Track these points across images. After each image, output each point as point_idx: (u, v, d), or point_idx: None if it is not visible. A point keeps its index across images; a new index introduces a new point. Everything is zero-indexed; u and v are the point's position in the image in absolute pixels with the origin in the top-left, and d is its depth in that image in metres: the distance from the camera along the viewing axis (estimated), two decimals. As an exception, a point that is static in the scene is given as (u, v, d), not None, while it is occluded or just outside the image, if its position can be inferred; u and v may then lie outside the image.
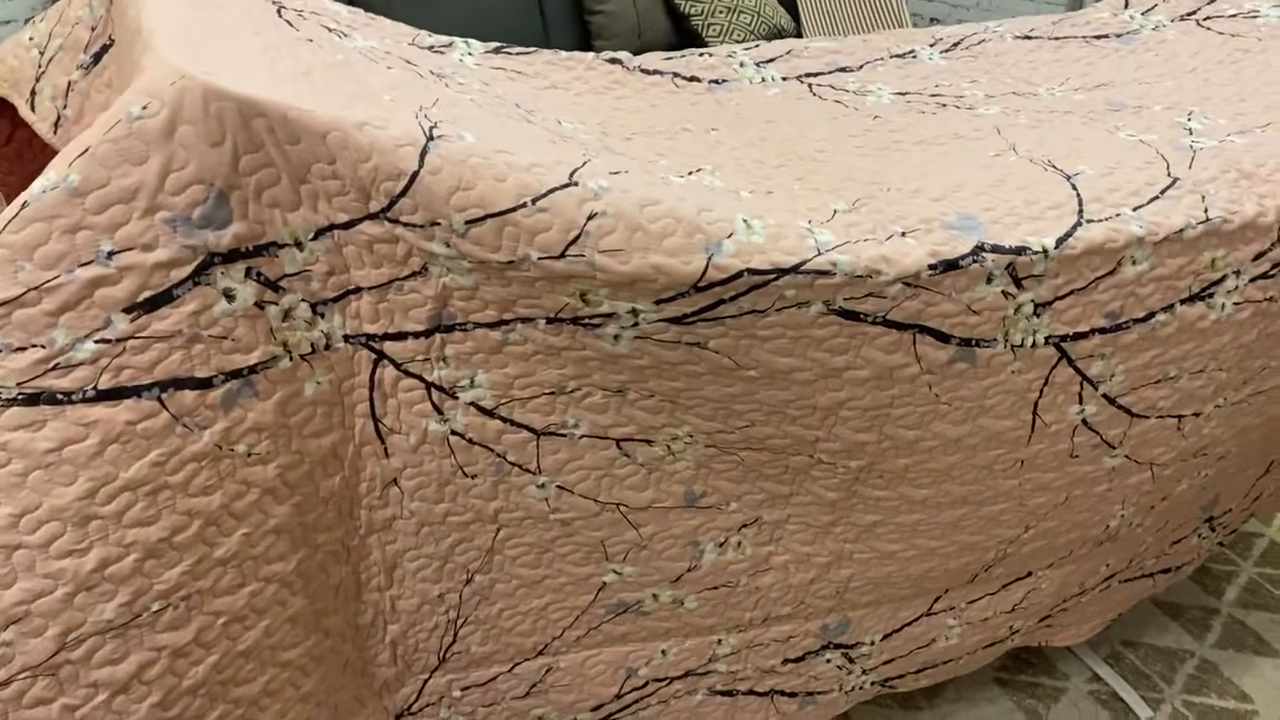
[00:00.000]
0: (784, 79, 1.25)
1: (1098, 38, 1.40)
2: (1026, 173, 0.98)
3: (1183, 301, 0.99)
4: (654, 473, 0.97)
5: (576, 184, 0.78)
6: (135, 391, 0.73)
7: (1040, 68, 1.32)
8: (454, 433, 0.89)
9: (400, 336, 0.83)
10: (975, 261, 0.87)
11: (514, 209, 0.76)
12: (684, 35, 3.09)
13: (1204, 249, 0.97)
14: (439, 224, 0.76)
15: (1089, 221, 0.93)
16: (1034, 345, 0.94)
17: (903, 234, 0.88)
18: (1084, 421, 1.03)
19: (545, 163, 0.79)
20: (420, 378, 0.85)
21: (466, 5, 2.67)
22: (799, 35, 3.17)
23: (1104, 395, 1.02)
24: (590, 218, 0.78)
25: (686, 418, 0.93)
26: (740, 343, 0.85)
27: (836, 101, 1.19)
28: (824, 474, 1.01)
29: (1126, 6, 1.49)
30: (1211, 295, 1.00)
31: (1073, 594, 1.34)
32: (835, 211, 0.89)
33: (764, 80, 1.24)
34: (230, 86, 0.70)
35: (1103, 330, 0.96)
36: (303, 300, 0.79)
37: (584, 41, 2.99)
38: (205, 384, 0.76)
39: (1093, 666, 1.56)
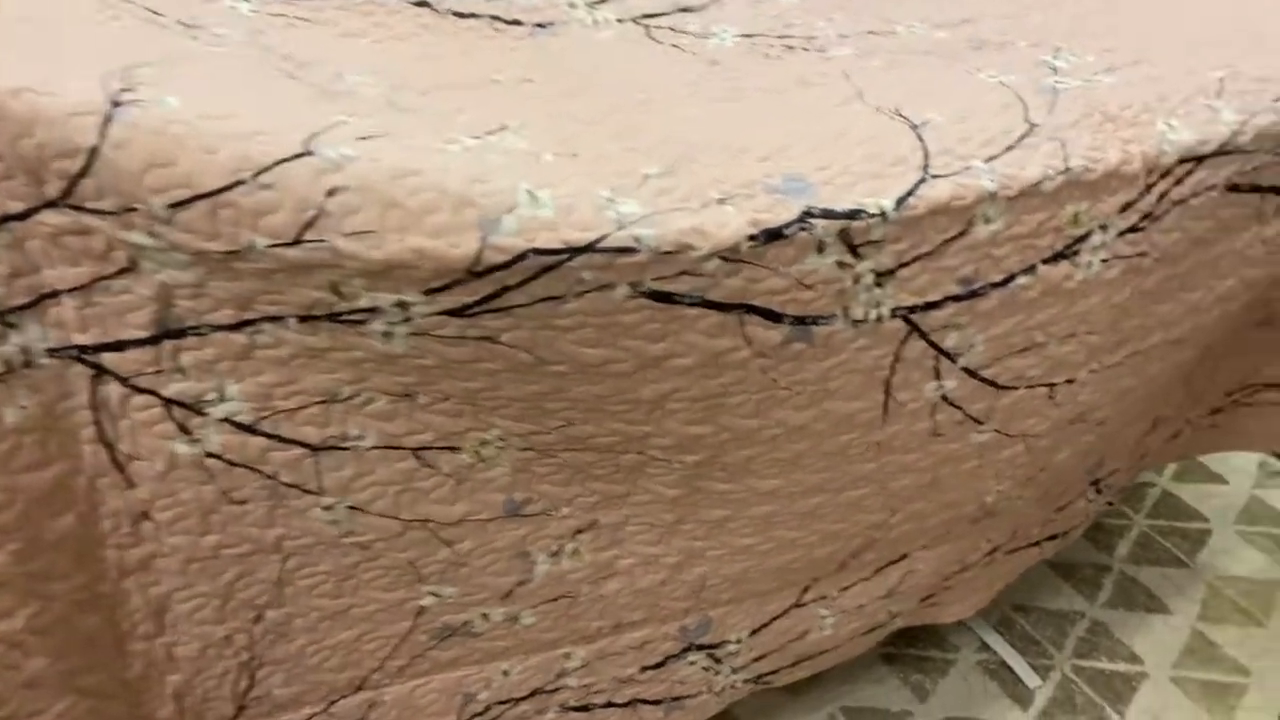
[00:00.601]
0: (619, 20, 1.11)
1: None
2: (870, 123, 0.87)
3: (1045, 261, 0.89)
4: (464, 482, 0.85)
5: (312, 154, 0.64)
6: None
7: (903, 3, 1.20)
8: (209, 454, 0.75)
9: (119, 346, 0.69)
10: (802, 229, 0.76)
11: (230, 187, 0.62)
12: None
13: (1065, 202, 0.87)
14: (135, 209, 0.62)
15: (934, 177, 0.82)
16: (879, 319, 0.84)
17: (720, 200, 0.76)
18: (944, 398, 0.94)
19: (276, 128, 0.65)
20: (154, 393, 0.71)
21: None
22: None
23: (964, 368, 0.92)
24: (330, 194, 0.64)
25: (493, 420, 0.81)
26: (538, 335, 0.73)
27: (674, 45, 1.07)
28: (660, 471, 0.89)
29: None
30: (1076, 253, 0.91)
31: (953, 572, 1.26)
32: (646, 176, 0.76)
33: (595, 22, 1.10)
34: None
35: (956, 298, 0.86)
36: None
37: None
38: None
39: (982, 635, 1.50)
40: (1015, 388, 0.98)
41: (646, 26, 1.11)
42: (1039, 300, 0.91)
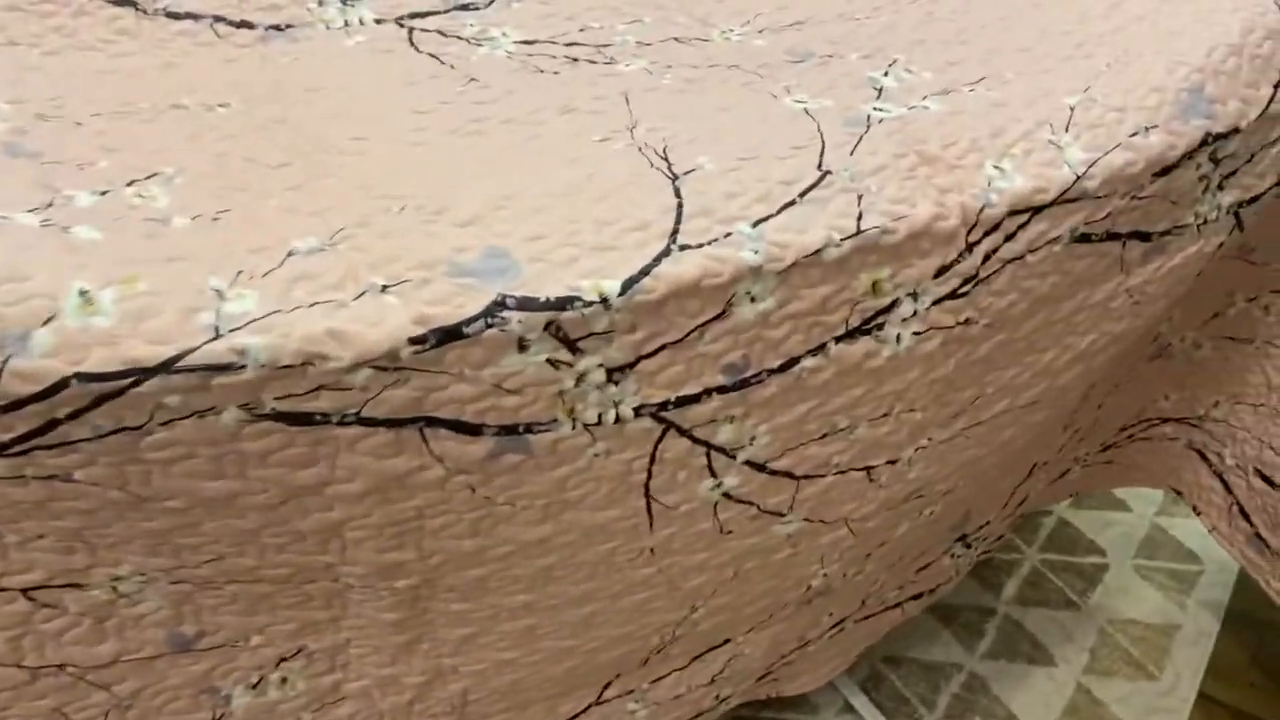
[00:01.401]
0: (377, 21, 0.93)
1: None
2: (620, 172, 0.70)
3: (839, 340, 0.73)
4: (108, 620, 0.68)
5: None
6: None
7: (726, 0, 1.03)
8: None
9: None
10: (491, 325, 0.59)
11: None
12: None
13: (858, 270, 0.71)
14: None
15: (682, 248, 0.65)
16: (619, 420, 0.67)
17: (384, 288, 0.59)
18: (727, 495, 0.78)
19: None
20: None
21: None
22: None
23: (747, 462, 0.77)
24: None
25: (118, 556, 0.64)
26: (126, 471, 0.56)
27: (433, 55, 0.89)
28: (368, 597, 0.73)
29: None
30: (880, 326, 0.75)
31: (792, 648, 1.12)
32: (290, 253, 0.59)
33: (347, 24, 0.92)
34: None
35: (723, 389, 0.70)
36: None
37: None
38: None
39: (846, 695, 1.36)
40: (821, 475, 0.82)
41: (410, 29, 0.93)
42: (834, 383, 0.75)
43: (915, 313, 0.76)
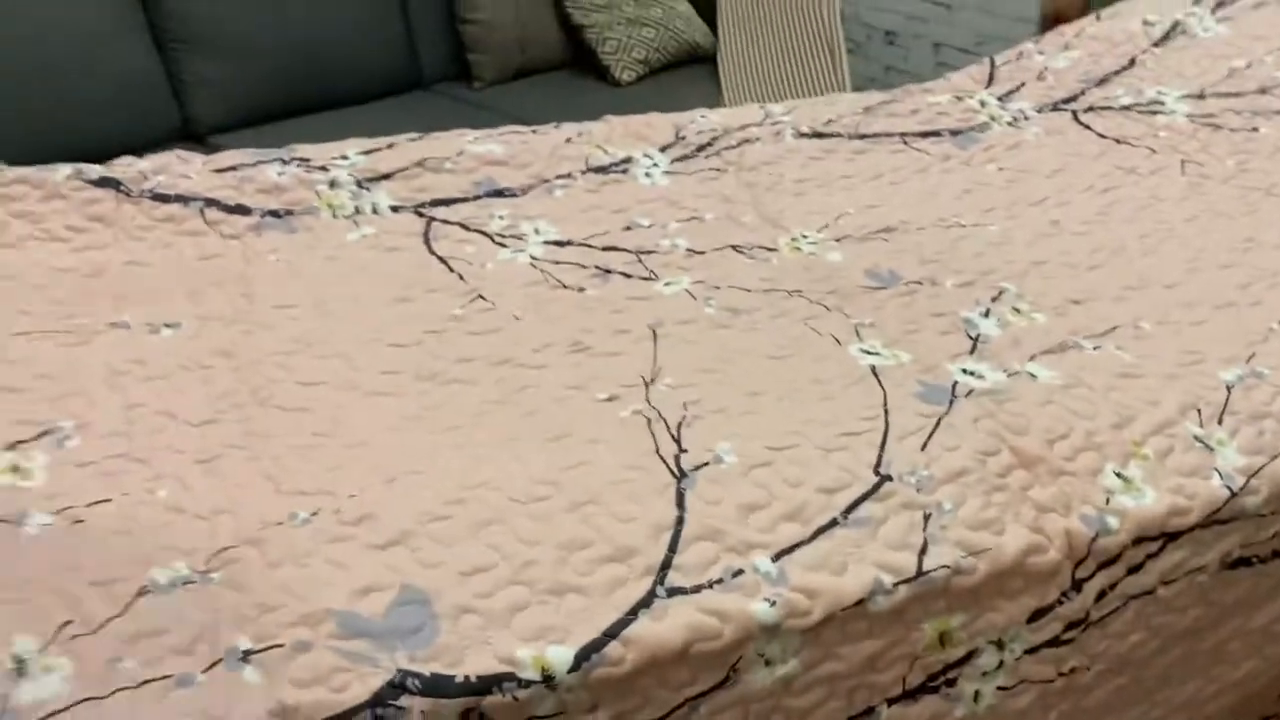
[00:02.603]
0: (394, 208, 0.82)
1: (924, 135, 0.95)
2: (610, 462, 0.55)
3: (893, 702, 0.55)
4: None
5: None
6: None
7: (809, 193, 0.87)
8: None
9: None
10: (382, 714, 0.44)
11: None
12: (578, 50, 2.62)
13: (919, 620, 0.53)
14: None
15: (669, 594, 0.49)
16: None
17: (245, 654, 0.44)
18: None
19: None
20: None
21: (325, 8, 2.23)
22: (714, 55, 2.70)
23: None
24: None
25: None
26: None
27: (444, 260, 0.76)
28: None
29: (990, 82, 1.04)
30: (952, 683, 0.56)
31: None
32: (142, 591, 0.46)
33: (357, 211, 0.81)
34: None
35: None
36: None
37: (456, 53, 2.54)
38: None
39: None
40: None
41: (430, 219, 0.81)
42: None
43: (1001, 664, 0.57)
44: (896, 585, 0.52)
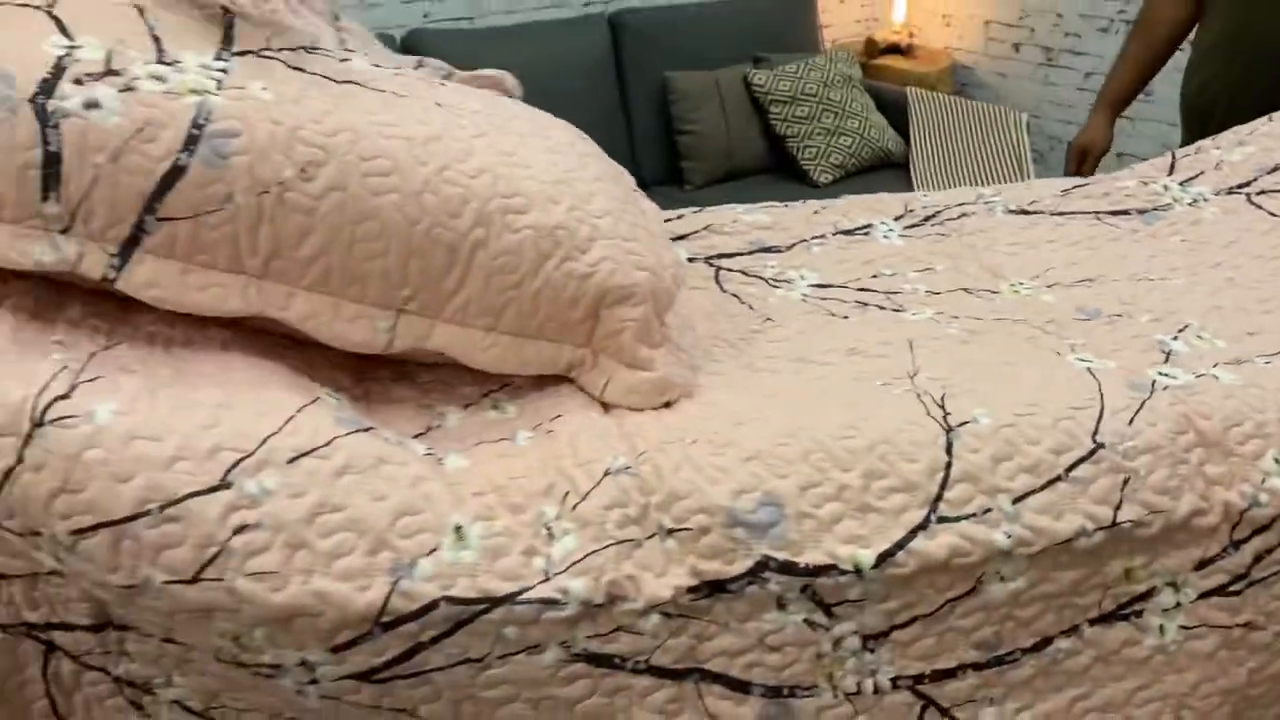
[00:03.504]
0: (689, 259, 1.07)
1: (1114, 214, 1.15)
2: (895, 420, 0.75)
3: (1092, 622, 0.73)
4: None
5: (228, 486, 0.62)
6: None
7: (1021, 253, 1.08)
8: None
9: (68, 627, 0.67)
10: (754, 583, 0.66)
11: (133, 517, 0.60)
12: (780, 158, 2.91)
13: (1109, 558, 0.72)
14: (40, 534, 0.61)
15: (940, 521, 0.69)
16: (878, 690, 0.71)
17: (670, 531, 0.68)
18: None
19: (196, 454, 0.62)
20: (105, 670, 0.69)
21: (561, 115, 2.60)
22: (907, 161, 2.94)
23: None
24: (238, 531, 0.61)
25: None
26: (461, 709, 0.65)
27: (735, 295, 1.00)
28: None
29: (1171, 171, 1.23)
30: (1139, 614, 0.74)
31: None
32: (607, 472, 0.70)
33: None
34: None
35: (978, 666, 0.72)
36: None
37: (672, 161, 2.87)
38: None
39: None
40: None
41: (717, 269, 1.06)
42: (1096, 670, 0.74)
43: (1179, 604, 0.74)
44: (1095, 531, 0.71)
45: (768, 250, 1.09)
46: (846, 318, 0.96)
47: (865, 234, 1.12)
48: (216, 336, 0.74)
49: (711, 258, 1.07)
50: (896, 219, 1.15)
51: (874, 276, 1.03)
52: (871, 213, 1.16)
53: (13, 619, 0.67)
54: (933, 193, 1.21)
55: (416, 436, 0.74)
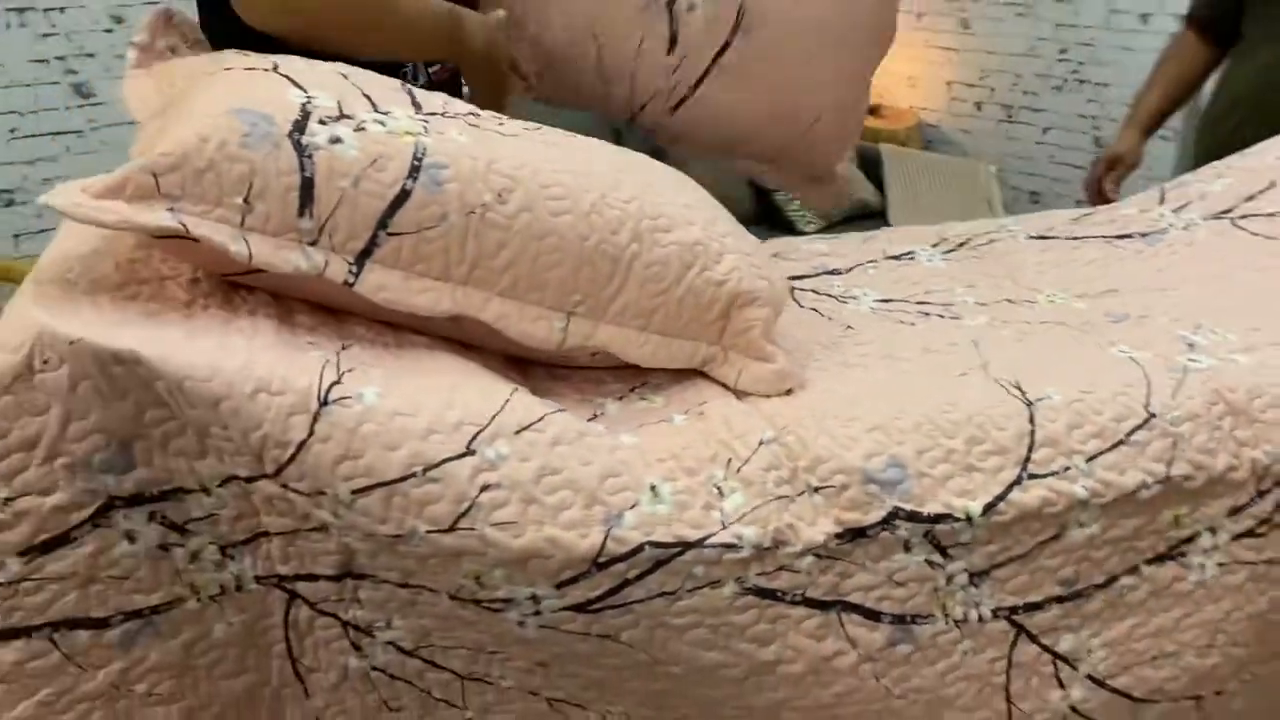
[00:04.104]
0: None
1: (1120, 237, 1.34)
2: (984, 397, 0.90)
3: (1148, 562, 0.89)
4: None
5: (473, 453, 0.75)
6: (25, 632, 0.74)
7: (1048, 271, 1.26)
8: (374, 668, 0.84)
9: (312, 578, 0.79)
10: (886, 530, 0.81)
11: (403, 479, 0.74)
12: (767, 211, 3.13)
13: (1162, 507, 0.88)
14: (325, 493, 0.74)
15: (1030, 477, 0.85)
16: (981, 619, 0.85)
17: (816, 489, 0.83)
18: (1073, 709, 0.90)
19: (445, 428, 0.76)
20: (336, 616, 0.81)
21: None
22: (884, 212, 3.17)
23: (1089, 676, 0.90)
24: (484, 489, 0.75)
25: (618, 700, 0.85)
26: (655, 634, 0.79)
27: (814, 309, 1.16)
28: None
29: (1161, 201, 1.43)
30: (1184, 554, 0.90)
31: None
32: (760, 442, 0.85)
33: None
34: (124, 349, 0.71)
35: (1060, 599, 0.87)
36: (211, 543, 0.77)
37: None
38: (101, 624, 0.76)
39: None
40: (1155, 700, 0.93)
41: (792, 288, 1.22)
42: (1151, 603, 0.90)
43: (1216, 545, 0.90)
44: (1154, 484, 0.87)
45: (831, 273, 1.25)
46: (914, 324, 1.12)
47: (911, 258, 1.29)
48: (419, 341, 0.86)
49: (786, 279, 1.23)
50: (934, 246, 1.32)
51: (927, 292, 1.20)
52: (912, 241, 1.33)
53: (268, 571, 0.79)
54: (960, 224, 1.39)
55: (588, 421, 0.88)
